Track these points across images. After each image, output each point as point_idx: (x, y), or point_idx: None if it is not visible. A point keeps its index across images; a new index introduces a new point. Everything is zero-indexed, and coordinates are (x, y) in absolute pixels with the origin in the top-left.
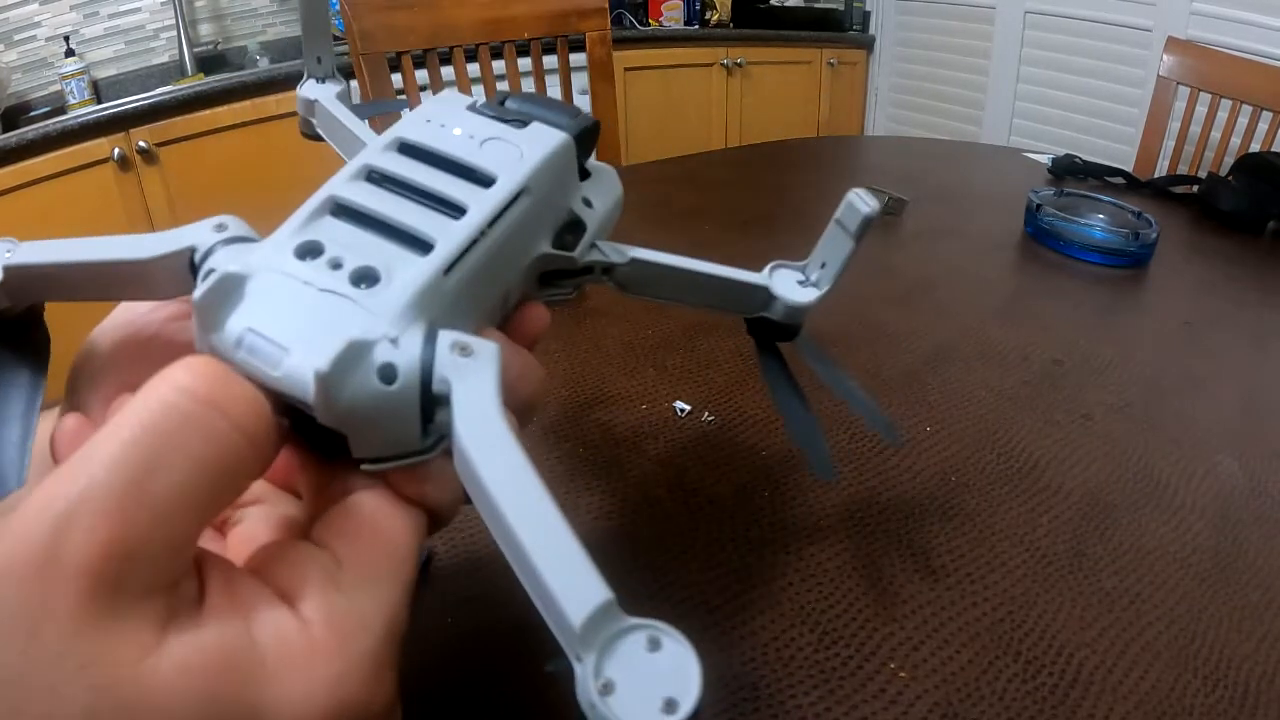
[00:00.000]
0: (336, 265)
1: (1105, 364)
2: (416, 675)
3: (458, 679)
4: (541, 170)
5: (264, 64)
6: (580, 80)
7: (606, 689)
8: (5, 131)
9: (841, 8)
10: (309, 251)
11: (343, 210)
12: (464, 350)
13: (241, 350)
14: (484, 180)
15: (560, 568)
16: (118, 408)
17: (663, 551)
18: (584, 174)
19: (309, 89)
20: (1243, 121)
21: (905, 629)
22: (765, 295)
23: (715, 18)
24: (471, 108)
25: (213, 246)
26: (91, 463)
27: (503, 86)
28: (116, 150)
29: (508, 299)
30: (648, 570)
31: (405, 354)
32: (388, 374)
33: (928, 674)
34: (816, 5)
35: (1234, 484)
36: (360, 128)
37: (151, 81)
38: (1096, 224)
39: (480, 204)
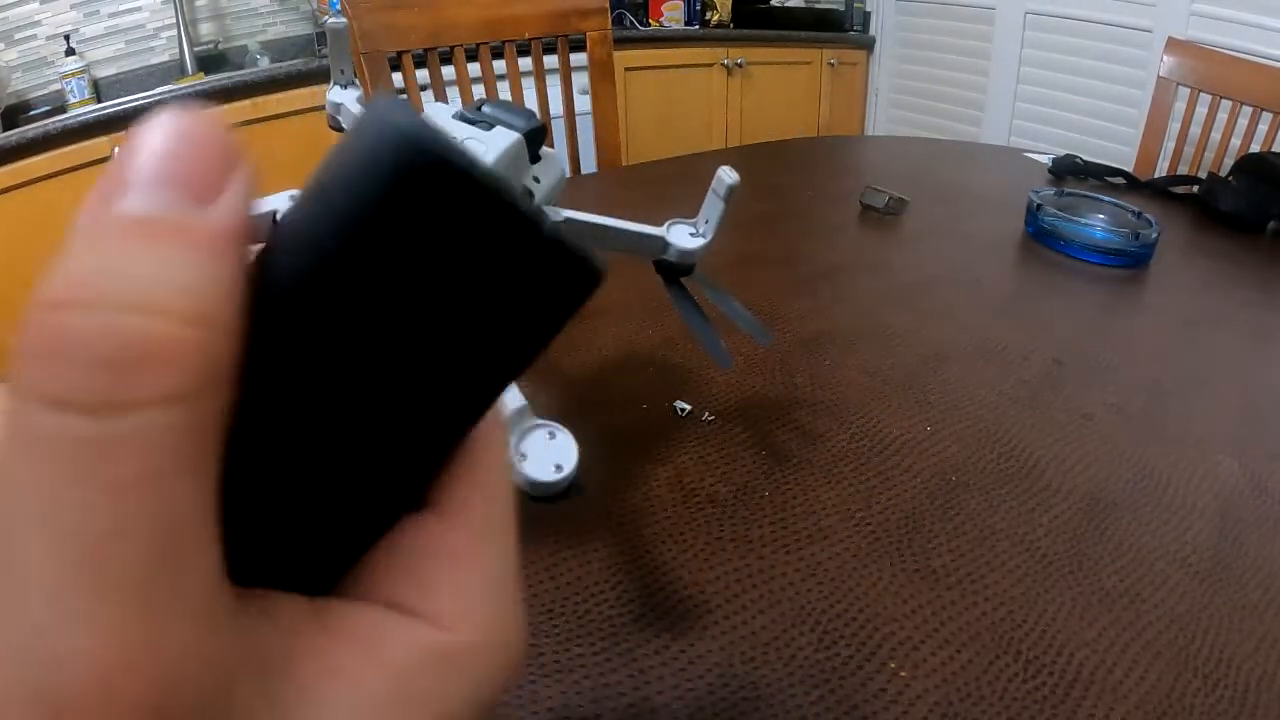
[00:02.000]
0: None
1: (1105, 364)
2: None
3: None
4: (499, 160)
5: (264, 63)
6: (581, 80)
7: (522, 458)
8: (5, 130)
9: (842, 8)
10: None
11: None
12: None
13: None
14: None
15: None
16: None
17: (663, 551)
18: (535, 159)
19: (336, 94)
20: (1243, 122)
21: (905, 629)
22: (664, 243)
23: (716, 18)
24: (454, 115)
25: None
26: None
27: (503, 86)
28: (117, 149)
29: None
30: (648, 570)
31: None
32: None
33: (928, 674)
34: (817, 5)
35: (1234, 484)
36: None
37: (152, 81)
38: (1097, 224)
39: None
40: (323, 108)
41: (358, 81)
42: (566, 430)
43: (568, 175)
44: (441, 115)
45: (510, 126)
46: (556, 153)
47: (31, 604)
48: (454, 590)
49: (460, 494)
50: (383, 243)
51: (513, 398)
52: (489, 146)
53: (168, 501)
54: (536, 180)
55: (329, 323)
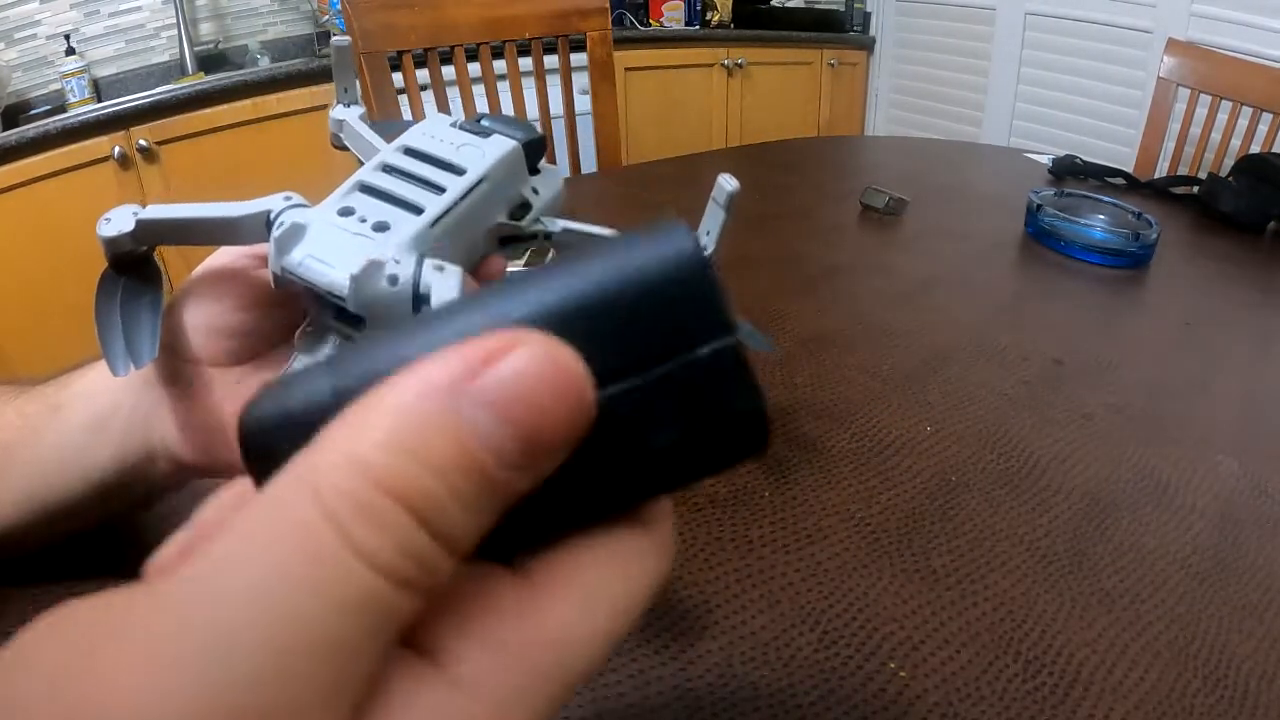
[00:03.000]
0: (363, 220)
1: (1105, 364)
2: None
3: None
4: (496, 166)
5: (264, 63)
6: (581, 80)
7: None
8: (5, 130)
9: (842, 8)
10: (345, 212)
11: (367, 188)
12: (440, 269)
13: (302, 267)
14: (458, 171)
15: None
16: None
17: None
18: (535, 171)
19: (339, 112)
20: (1243, 123)
21: (905, 629)
22: None
23: (716, 18)
24: (453, 125)
25: (283, 209)
26: None
27: (503, 87)
28: (117, 149)
29: (474, 250)
30: None
31: (404, 270)
32: (392, 280)
33: (928, 674)
34: (817, 6)
35: (1234, 484)
36: (377, 140)
37: (152, 80)
38: (1097, 224)
39: (454, 186)
40: (323, 108)
41: (360, 100)
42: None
43: (564, 189)
44: (439, 125)
45: (508, 136)
46: (557, 168)
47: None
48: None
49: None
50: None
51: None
52: (485, 152)
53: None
54: (535, 192)
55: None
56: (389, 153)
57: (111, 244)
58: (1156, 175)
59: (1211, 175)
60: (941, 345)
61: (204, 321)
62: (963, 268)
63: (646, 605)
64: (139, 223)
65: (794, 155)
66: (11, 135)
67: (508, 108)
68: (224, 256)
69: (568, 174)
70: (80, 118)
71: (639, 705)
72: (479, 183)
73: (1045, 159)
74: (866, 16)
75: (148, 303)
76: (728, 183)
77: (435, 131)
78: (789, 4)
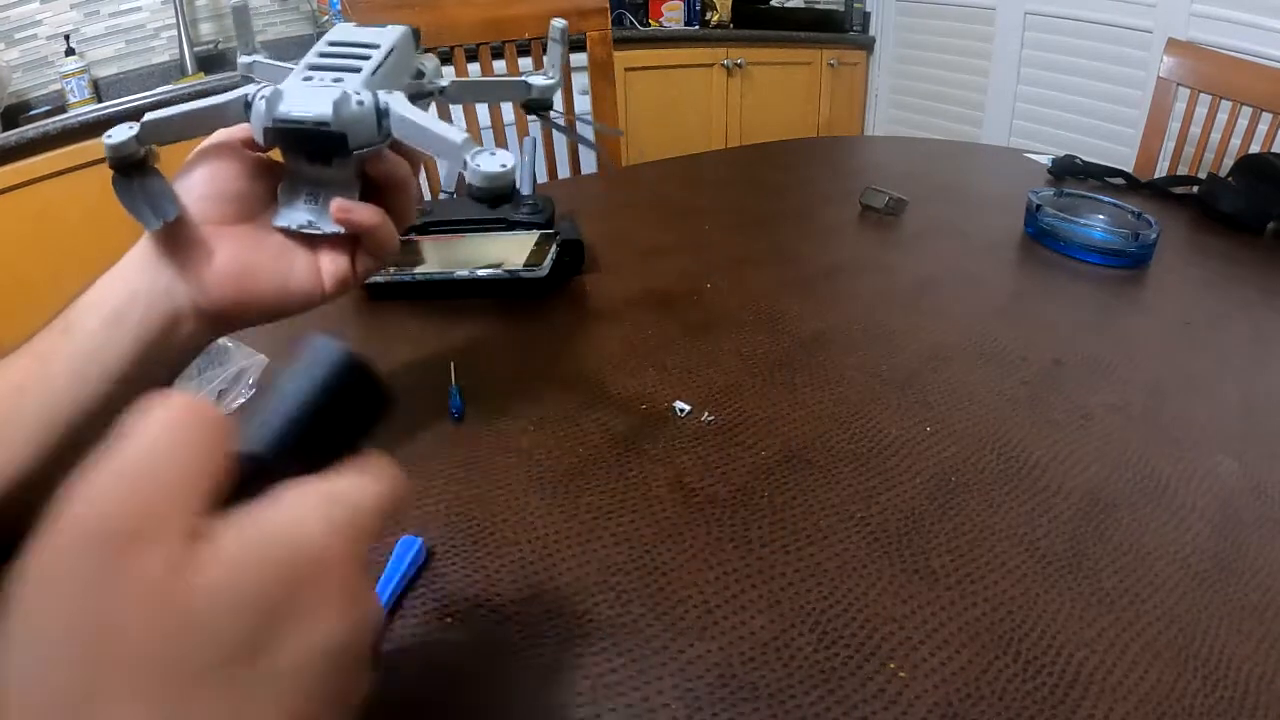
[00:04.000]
0: (322, 79)
1: (1105, 364)
2: (417, 675)
3: (457, 678)
4: (399, 40)
5: None
6: (581, 80)
7: (477, 164)
8: (5, 130)
9: (842, 8)
10: (307, 79)
11: (315, 66)
12: (389, 93)
13: (292, 113)
14: (373, 46)
15: (447, 132)
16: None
17: (663, 551)
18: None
19: (245, 59)
20: (1242, 122)
21: (905, 629)
22: (527, 86)
23: (715, 18)
24: (356, 26)
25: (257, 90)
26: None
27: None
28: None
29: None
30: (648, 570)
31: (366, 96)
32: (360, 102)
33: (927, 674)
34: (817, 6)
35: (1234, 484)
36: (290, 64)
37: (152, 80)
38: (1096, 224)
39: (376, 52)
40: None
41: (261, 48)
42: (502, 149)
43: (440, 63)
44: (345, 28)
45: (397, 25)
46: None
47: None
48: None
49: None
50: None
51: (458, 133)
52: (386, 35)
53: None
54: (423, 64)
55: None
56: (321, 45)
57: (117, 150)
58: (1156, 175)
59: (1211, 175)
60: (941, 345)
61: (204, 192)
62: (962, 268)
63: (374, 508)
64: (143, 124)
65: (793, 155)
66: (11, 136)
67: (507, 108)
68: (216, 138)
69: (568, 174)
70: (80, 118)
71: (639, 705)
72: (391, 50)
73: (1045, 159)
74: (866, 16)
75: (157, 184)
76: (558, 22)
77: (345, 31)
78: (788, 4)
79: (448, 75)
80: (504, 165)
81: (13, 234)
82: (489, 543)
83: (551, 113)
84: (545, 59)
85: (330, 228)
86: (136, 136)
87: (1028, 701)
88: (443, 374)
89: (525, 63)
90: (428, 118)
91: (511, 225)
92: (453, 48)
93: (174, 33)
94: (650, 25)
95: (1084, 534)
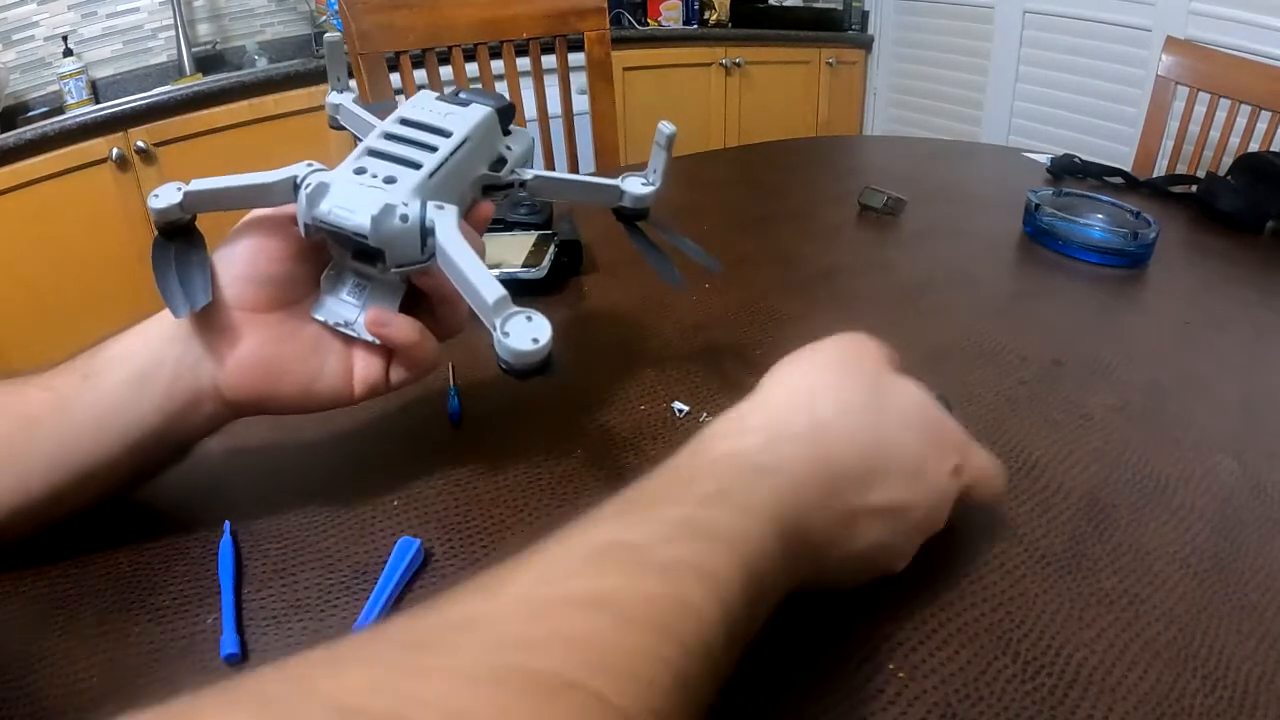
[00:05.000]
0: (374, 176)
1: (1105, 364)
2: None
3: None
4: (475, 128)
5: (262, 64)
6: (579, 80)
7: (505, 334)
8: (3, 131)
9: (840, 7)
10: (359, 171)
11: (374, 153)
12: (440, 208)
13: (331, 215)
14: (445, 134)
15: (483, 285)
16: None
17: None
18: (507, 132)
19: (334, 98)
20: (1241, 121)
21: (904, 629)
22: (620, 192)
23: (714, 17)
24: (437, 98)
25: (308, 173)
26: None
27: (501, 87)
28: (115, 150)
29: (465, 199)
30: None
31: (412, 210)
32: (404, 218)
33: (927, 674)
34: (815, 5)
35: (1234, 484)
36: (371, 117)
37: (150, 81)
38: (1095, 224)
39: (444, 145)
40: (321, 108)
41: (353, 85)
42: (540, 314)
43: (536, 143)
44: (426, 99)
45: (483, 104)
46: (526, 130)
47: None
48: None
49: None
50: None
51: (494, 289)
52: (466, 118)
53: None
54: (509, 148)
55: None
56: (389, 123)
57: (162, 214)
58: (1155, 174)
59: (1210, 174)
60: (940, 345)
61: (243, 273)
62: (961, 267)
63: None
64: (186, 194)
65: (792, 155)
66: (9, 137)
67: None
68: (258, 215)
69: (566, 167)
70: (78, 119)
71: None
72: (463, 142)
73: (1044, 158)
74: (865, 15)
75: (196, 259)
76: (666, 127)
77: (423, 104)
78: (787, 3)
79: (518, 144)
80: (536, 341)
81: (11, 235)
82: (487, 544)
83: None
84: (649, 165)
85: (368, 335)
86: (180, 204)
87: (1027, 702)
88: (441, 375)
89: (523, 63)
90: (467, 256)
91: (510, 226)
92: (450, 48)
93: (172, 33)
94: (648, 25)
95: (1083, 534)
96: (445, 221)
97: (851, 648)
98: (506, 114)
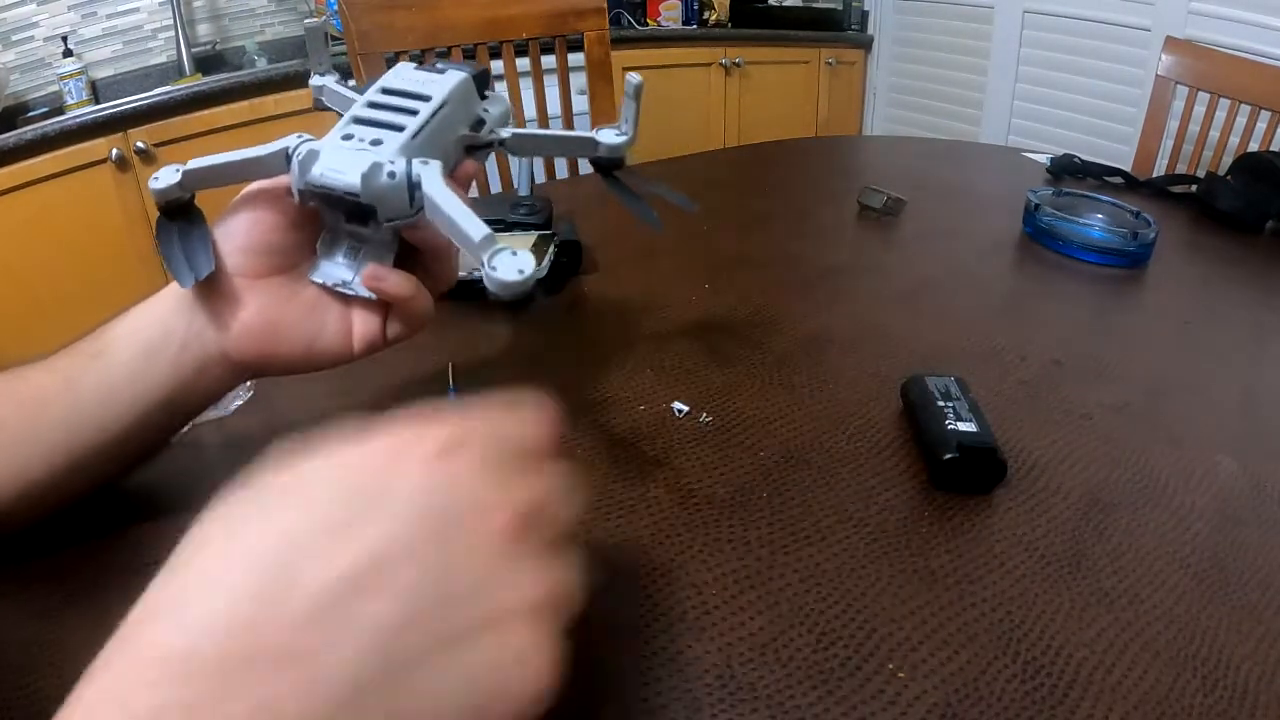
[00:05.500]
0: (361, 140)
1: (1104, 364)
2: None
3: None
4: (453, 92)
5: (262, 64)
6: (579, 80)
7: (493, 269)
8: (3, 132)
9: (840, 7)
10: (347, 136)
11: (359, 120)
12: (425, 163)
13: (323, 178)
14: (425, 99)
15: (469, 225)
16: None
17: (661, 552)
18: (484, 96)
19: (317, 80)
20: (1241, 121)
21: (904, 629)
22: (595, 143)
23: (713, 17)
24: (415, 68)
25: (298, 144)
26: None
27: (500, 87)
28: (114, 151)
29: (448, 159)
30: (647, 570)
31: (399, 167)
32: (391, 175)
33: (926, 674)
34: (815, 5)
35: (1234, 484)
36: (353, 95)
37: (149, 82)
38: (1095, 224)
39: (424, 109)
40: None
41: (334, 70)
42: (526, 250)
43: (510, 108)
44: (405, 69)
45: (459, 70)
46: (501, 94)
47: None
48: None
49: None
50: None
51: (480, 228)
52: (443, 83)
53: None
54: (486, 111)
55: None
56: (371, 93)
57: (163, 194)
58: (1155, 174)
59: (1210, 174)
60: (939, 345)
61: (243, 243)
62: (961, 267)
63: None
64: (184, 173)
65: (791, 155)
66: (9, 137)
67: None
68: (259, 185)
69: (566, 175)
70: (78, 120)
71: (637, 706)
72: (443, 105)
73: (1043, 158)
74: (864, 15)
75: (198, 233)
76: (634, 78)
77: (403, 74)
78: (786, 3)
79: (495, 106)
80: (521, 272)
81: (10, 236)
82: None
83: (624, 175)
84: (620, 116)
85: (364, 292)
86: (180, 183)
87: (1027, 702)
88: (440, 376)
89: (523, 63)
90: (453, 202)
91: (510, 226)
92: (450, 48)
93: (171, 34)
94: (648, 25)
95: (1083, 534)
96: (431, 174)
97: (851, 648)
98: (482, 79)
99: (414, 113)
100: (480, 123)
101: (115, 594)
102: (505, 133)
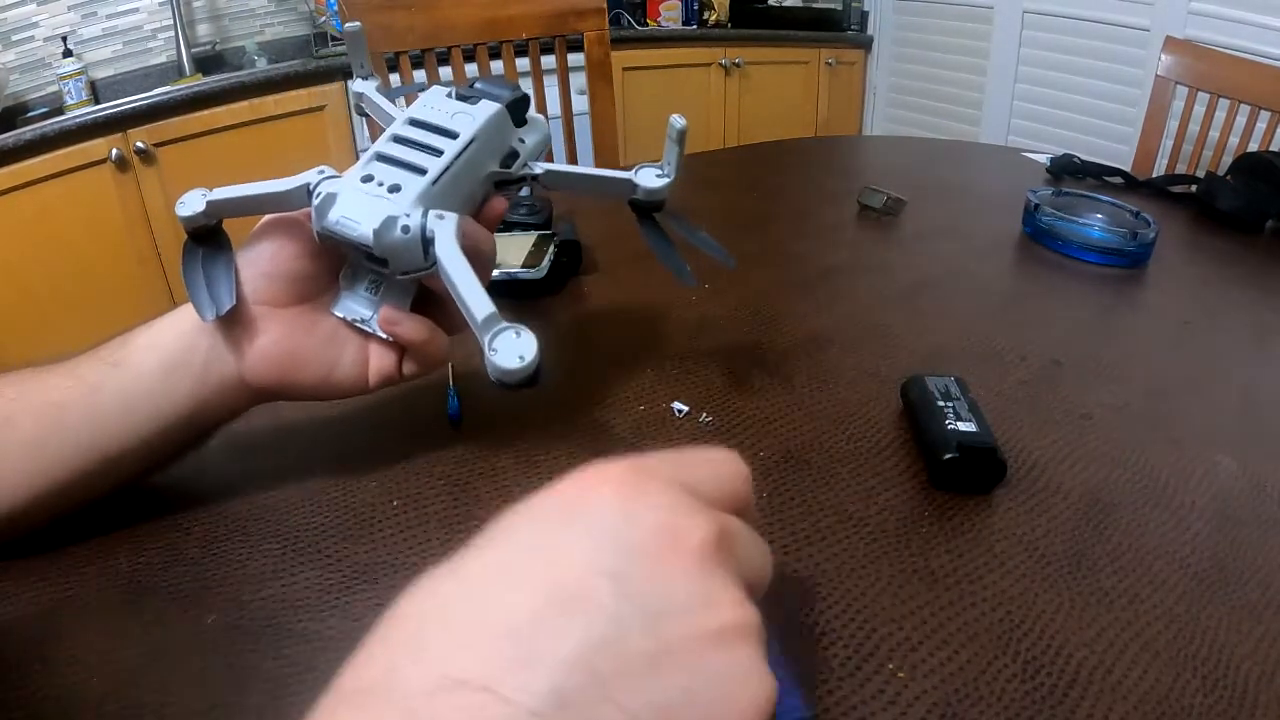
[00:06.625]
0: (380, 184)
1: (1104, 364)
2: None
3: None
4: (484, 127)
5: (262, 64)
6: (578, 80)
7: (493, 351)
8: (3, 132)
9: (839, 7)
10: (366, 179)
11: (382, 157)
12: (440, 217)
13: (338, 225)
14: (452, 135)
15: (474, 302)
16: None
17: None
18: (522, 123)
19: (358, 85)
20: (1240, 121)
21: (904, 629)
22: (633, 185)
23: (713, 18)
24: (448, 95)
25: (319, 181)
26: None
27: None
28: (114, 151)
29: (475, 197)
30: None
31: (413, 221)
32: (405, 230)
33: (926, 674)
34: (814, 5)
35: (1234, 484)
36: (389, 107)
37: (149, 82)
38: (1095, 224)
39: (449, 148)
40: (321, 108)
41: (375, 74)
42: (528, 330)
43: (549, 134)
44: (436, 96)
45: (494, 99)
46: (542, 118)
47: None
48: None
49: None
50: None
51: (484, 306)
52: (475, 116)
53: None
54: (522, 141)
55: None
56: (398, 125)
57: (189, 221)
58: (1155, 174)
59: (1209, 174)
60: (939, 345)
61: (265, 270)
62: (961, 267)
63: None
64: (209, 203)
65: (791, 155)
66: (9, 137)
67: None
68: (277, 217)
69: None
70: (78, 120)
71: None
72: (470, 143)
73: (1043, 158)
74: (864, 15)
75: (222, 262)
76: (677, 121)
77: (434, 102)
78: (786, 3)
79: (532, 135)
80: (521, 359)
81: (10, 236)
82: None
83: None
84: (664, 158)
85: (381, 332)
86: (205, 212)
87: (1027, 701)
88: (440, 376)
89: (523, 63)
90: (462, 272)
91: (509, 226)
92: (450, 48)
93: (171, 34)
94: (648, 25)
95: (1083, 534)
96: (444, 233)
97: (852, 648)
98: (519, 106)
99: (439, 152)
100: (513, 155)
101: (115, 594)
102: (538, 168)
